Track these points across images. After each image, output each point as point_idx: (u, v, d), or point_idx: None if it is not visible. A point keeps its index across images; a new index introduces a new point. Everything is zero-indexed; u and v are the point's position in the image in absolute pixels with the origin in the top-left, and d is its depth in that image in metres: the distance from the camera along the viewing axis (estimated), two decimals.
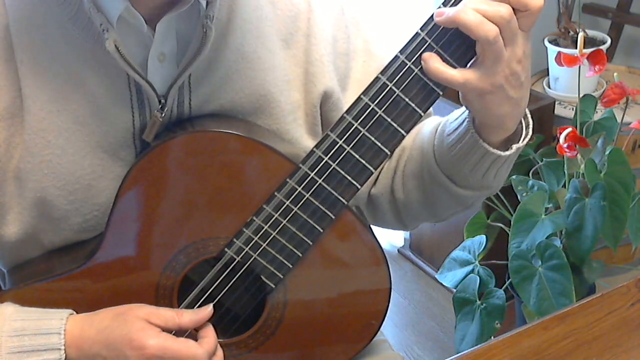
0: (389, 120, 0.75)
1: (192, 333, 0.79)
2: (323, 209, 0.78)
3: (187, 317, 0.77)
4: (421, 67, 0.73)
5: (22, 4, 0.76)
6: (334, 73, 0.88)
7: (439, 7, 0.72)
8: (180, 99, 0.81)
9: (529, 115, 0.83)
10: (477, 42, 0.71)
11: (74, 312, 0.77)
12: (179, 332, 0.78)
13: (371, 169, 0.76)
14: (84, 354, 0.74)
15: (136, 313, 0.75)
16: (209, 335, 0.78)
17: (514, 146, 0.82)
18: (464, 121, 0.81)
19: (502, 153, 0.81)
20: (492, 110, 0.76)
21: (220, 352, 0.79)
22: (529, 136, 0.83)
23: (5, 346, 0.73)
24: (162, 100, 0.79)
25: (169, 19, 0.76)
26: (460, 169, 0.84)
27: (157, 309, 0.77)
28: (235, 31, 0.82)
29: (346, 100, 0.90)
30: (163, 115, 0.79)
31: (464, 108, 0.80)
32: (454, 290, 1.69)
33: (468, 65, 0.73)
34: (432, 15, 0.72)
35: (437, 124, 0.87)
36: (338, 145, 0.75)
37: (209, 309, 0.79)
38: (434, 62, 0.72)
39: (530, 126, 0.83)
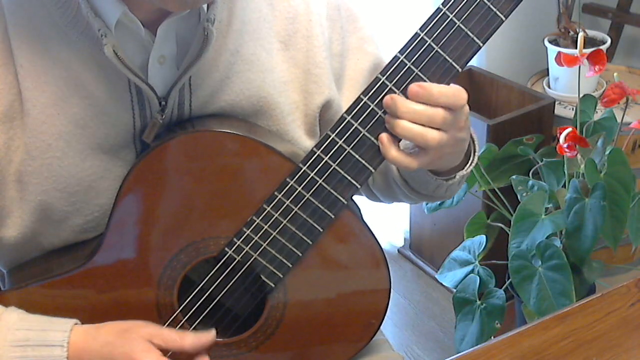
0: None
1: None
2: (323, 208, 0.78)
3: (189, 340, 0.76)
4: (421, 68, 0.73)
5: (21, 8, 0.76)
6: (332, 76, 0.88)
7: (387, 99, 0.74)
8: (181, 100, 0.81)
9: (475, 142, 0.88)
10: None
11: (79, 322, 0.77)
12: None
13: (371, 168, 0.76)
14: None
15: (140, 332, 0.75)
16: None
17: (458, 174, 0.87)
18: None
19: (446, 182, 0.87)
20: (439, 165, 0.81)
21: None
22: (473, 164, 0.88)
23: (8, 356, 0.73)
24: (163, 102, 0.79)
25: (169, 22, 0.76)
26: (412, 181, 0.89)
27: (161, 329, 0.76)
28: (234, 33, 0.82)
29: (342, 98, 0.90)
30: (163, 117, 0.79)
31: None
32: (454, 290, 1.69)
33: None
34: (431, 15, 0.73)
35: None
36: (338, 145, 0.75)
37: (211, 334, 0.77)
38: (392, 150, 0.75)
39: (476, 154, 0.88)
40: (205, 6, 0.78)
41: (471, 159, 0.88)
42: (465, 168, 0.87)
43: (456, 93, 0.73)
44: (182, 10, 0.74)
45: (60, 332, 0.75)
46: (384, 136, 0.75)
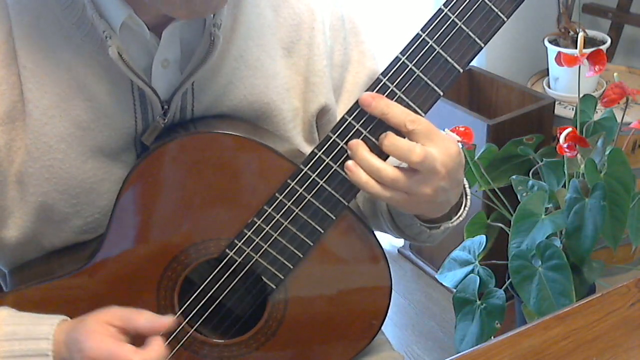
0: None
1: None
2: (324, 210, 0.78)
3: (142, 319, 0.73)
4: (422, 69, 0.73)
5: (26, 9, 0.76)
6: (330, 85, 0.89)
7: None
8: (183, 105, 0.81)
9: (467, 195, 0.86)
10: None
11: (68, 318, 0.77)
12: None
13: None
14: (62, 357, 0.74)
15: (100, 316, 0.73)
16: (154, 347, 0.72)
17: (443, 226, 0.85)
18: None
19: (428, 230, 0.85)
20: (416, 211, 0.80)
21: None
22: (461, 218, 0.85)
23: None
24: (165, 106, 0.79)
25: (174, 27, 0.76)
26: (399, 219, 0.88)
27: (122, 310, 0.74)
28: (238, 39, 0.82)
29: (339, 111, 0.90)
30: (165, 120, 0.79)
31: None
32: (454, 290, 1.69)
33: None
34: (433, 16, 0.73)
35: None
36: (339, 146, 0.75)
37: (169, 320, 0.73)
38: (362, 151, 0.73)
39: (465, 207, 0.85)
40: None
41: (460, 212, 0.86)
42: (452, 220, 0.85)
43: (408, 149, 0.72)
44: (190, 18, 0.74)
45: (47, 326, 0.75)
46: (349, 162, 0.74)
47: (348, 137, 0.75)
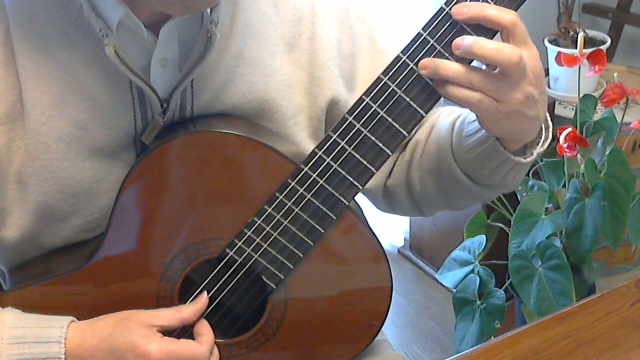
0: (391, 120, 0.75)
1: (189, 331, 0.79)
2: (324, 209, 0.78)
3: (186, 310, 0.78)
4: None
5: (23, 9, 0.76)
6: (339, 77, 0.88)
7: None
8: (183, 103, 0.81)
9: (548, 119, 0.83)
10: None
11: (75, 319, 0.77)
12: (181, 331, 0.78)
13: (373, 169, 0.76)
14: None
15: (137, 319, 0.75)
16: (206, 332, 0.78)
17: (535, 152, 0.82)
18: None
19: (524, 160, 0.82)
20: (510, 130, 0.77)
21: (216, 350, 0.79)
22: (549, 139, 0.82)
23: (5, 354, 0.73)
24: (165, 105, 0.79)
25: (171, 25, 0.76)
26: (480, 171, 0.84)
27: (157, 311, 0.77)
28: (237, 36, 0.82)
29: (354, 99, 0.90)
30: (165, 119, 0.79)
31: None
32: (454, 290, 1.69)
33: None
34: (434, 15, 0.72)
35: (454, 119, 0.86)
36: (340, 146, 0.75)
37: (204, 297, 0.79)
38: (441, 61, 0.72)
39: (550, 129, 0.83)
40: (208, 9, 0.78)
41: (544, 134, 0.82)
42: (540, 144, 0.82)
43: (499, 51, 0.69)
44: (184, 15, 0.74)
45: (57, 329, 0.75)
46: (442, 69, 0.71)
47: (348, 136, 0.75)
